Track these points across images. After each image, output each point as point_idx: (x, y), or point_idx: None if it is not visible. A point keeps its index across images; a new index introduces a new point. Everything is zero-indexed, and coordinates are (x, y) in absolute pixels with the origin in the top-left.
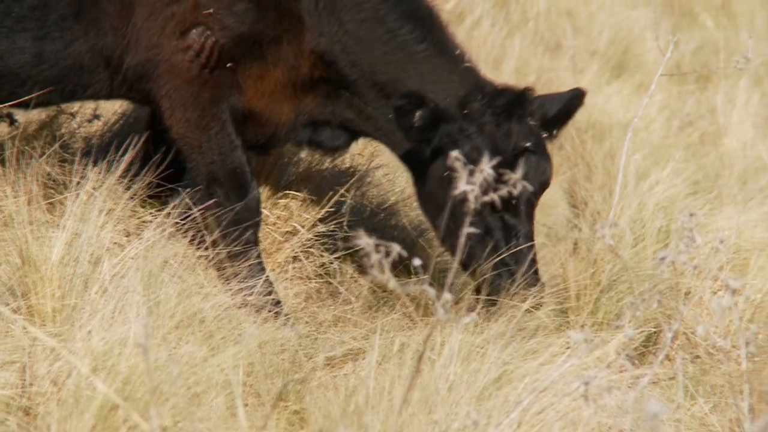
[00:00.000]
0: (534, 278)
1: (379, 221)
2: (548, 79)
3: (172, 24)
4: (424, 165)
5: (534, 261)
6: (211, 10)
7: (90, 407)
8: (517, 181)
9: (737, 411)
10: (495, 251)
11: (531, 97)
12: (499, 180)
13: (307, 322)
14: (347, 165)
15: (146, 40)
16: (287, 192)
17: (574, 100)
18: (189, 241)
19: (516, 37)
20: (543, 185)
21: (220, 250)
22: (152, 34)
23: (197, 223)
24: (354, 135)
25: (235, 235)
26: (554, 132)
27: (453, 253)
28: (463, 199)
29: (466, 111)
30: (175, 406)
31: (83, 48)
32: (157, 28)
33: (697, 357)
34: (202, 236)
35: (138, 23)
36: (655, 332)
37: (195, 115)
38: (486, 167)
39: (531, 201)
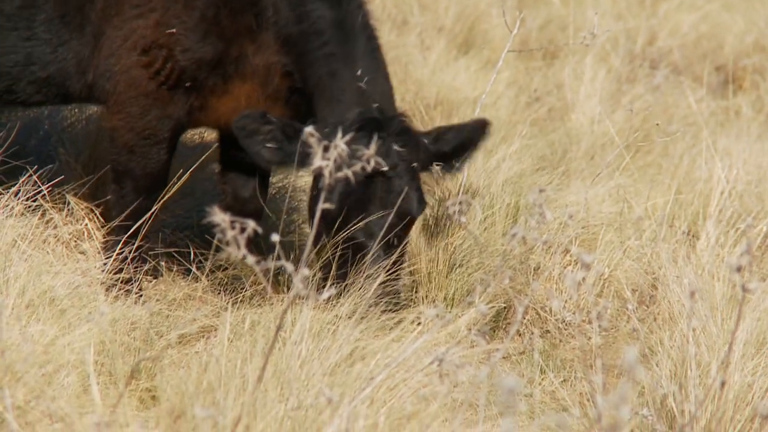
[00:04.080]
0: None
1: None
2: (396, 56)
3: (134, 38)
4: None
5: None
6: (174, 30)
7: None
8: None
9: (589, 385)
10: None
11: (389, 120)
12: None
13: (158, 300)
14: (198, 142)
15: (108, 50)
16: None
17: (475, 131)
18: (38, 220)
19: None
20: (401, 214)
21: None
22: (114, 44)
23: (46, 202)
24: None
25: (123, 220)
26: (455, 164)
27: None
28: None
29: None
30: (27, 384)
31: (68, 54)
32: (120, 39)
33: (547, 332)
34: (50, 216)
35: (107, 32)
36: (505, 308)
37: (139, 125)
38: (340, 143)
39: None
